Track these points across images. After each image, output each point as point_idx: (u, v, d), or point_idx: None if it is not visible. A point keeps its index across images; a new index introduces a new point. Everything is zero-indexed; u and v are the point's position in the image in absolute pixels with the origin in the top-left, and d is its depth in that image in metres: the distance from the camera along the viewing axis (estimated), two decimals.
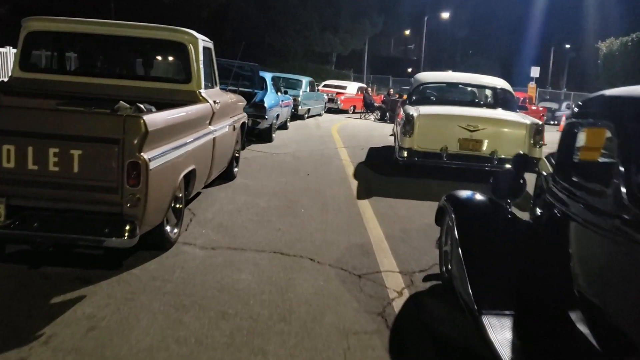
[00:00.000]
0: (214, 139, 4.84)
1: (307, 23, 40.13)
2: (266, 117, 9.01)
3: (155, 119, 3.23)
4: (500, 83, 7.94)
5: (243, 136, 6.86)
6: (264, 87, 9.82)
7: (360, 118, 19.26)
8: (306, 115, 15.85)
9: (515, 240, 3.14)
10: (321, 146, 9.98)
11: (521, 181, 3.49)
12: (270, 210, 5.17)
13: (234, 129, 5.92)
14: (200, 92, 4.81)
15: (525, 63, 66.42)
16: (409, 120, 6.79)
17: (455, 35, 61.25)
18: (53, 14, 5.38)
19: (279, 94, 10.98)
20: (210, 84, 5.36)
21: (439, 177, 7.30)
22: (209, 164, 4.82)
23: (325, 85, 22.41)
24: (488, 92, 8.22)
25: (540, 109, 26.23)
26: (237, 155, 6.58)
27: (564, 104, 28.04)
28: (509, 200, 3.46)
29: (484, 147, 6.73)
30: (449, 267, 3.40)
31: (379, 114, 19.32)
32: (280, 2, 39.34)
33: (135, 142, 3.01)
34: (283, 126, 11.91)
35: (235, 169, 6.47)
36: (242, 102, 6.75)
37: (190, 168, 4.09)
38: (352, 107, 21.54)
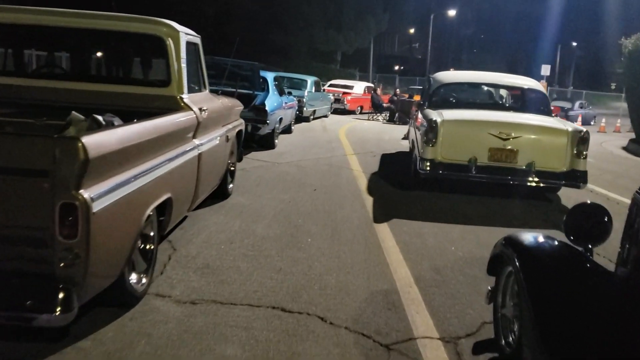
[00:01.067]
0: (199, 155, 3.92)
1: (310, 20, 39.21)
2: (267, 121, 8.09)
3: (102, 140, 2.30)
4: (531, 83, 6.96)
5: (240, 146, 5.94)
6: (265, 88, 8.89)
7: (369, 119, 18.31)
8: (312, 117, 14.93)
9: (608, 302, 2.23)
10: (328, 153, 9.04)
11: (605, 218, 2.58)
12: (269, 240, 4.25)
13: (228, 139, 5.00)
14: (181, 98, 3.90)
15: (531, 61, 65.43)
16: (432, 127, 5.85)
17: (461, 33, 60.25)
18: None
19: (282, 95, 10.05)
20: (196, 87, 4.45)
21: (466, 191, 6.36)
22: (192, 187, 3.90)
23: (331, 85, 21.48)
24: (518, 93, 7.23)
25: (552, 108, 25.14)
26: (232, 169, 5.67)
27: (577, 103, 26.92)
28: (590, 246, 2.55)
29: (519, 159, 5.77)
30: (514, 337, 2.48)
31: (388, 115, 18.37)
32: None
33: (71, 174, 2.09)
34: (287, 130, 10.99)
35: (230, 186, 5.55)
36: (239, 107, 5.84)
37: (164, 197, 3.17)
38: (359, 108, 20.59)
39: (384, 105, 18.72)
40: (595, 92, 42.79)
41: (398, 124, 16.94)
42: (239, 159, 6.06)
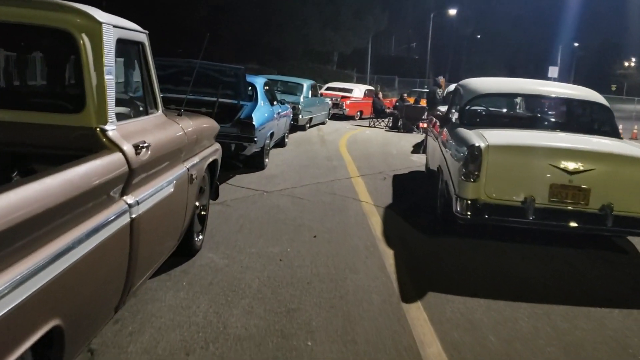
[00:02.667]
0: (132, 221, 2.40)
1: (306, 19, 37.68)
2: (255, 138, 6.56)
3: None
4: (592, 95, 5.45)
5: (215, 180, 4.43)
6: (253, 97, 7.37)
7: (370, 125, 16.81)
8: (308, 125, 13.42)
9: None
10: (329, 175, 7.52)
11: None
12: (246, 346, 2.73)
13: (193, 179, 3.48)
14: (103, 131, 2.38)
15: (531, 62, 64.32)
16: (473, 155, 4.35)
17: (460, 34, 58.88)
18: None
19: (275, 104, 8.53)
20: (136, 109, 2.94)
21: (509, 235, 4.86)
22: (118, 277, 2.38)
23: (328, 89, 19.95)
24: (575, 108, 5.70)
25: None
26: (202, 213, 4.15)
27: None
28: None
29: (592, 199, 4.29)
30: None
31: (391, 122, 16.87)
32: None
33: None
34: (280, 143, 9.48)
35: (199, 238, 4.03)
36: (212, 129, 4.31)
37: (45, 328, 1.67)
38: (358, 113, 19.10)
39: (387, 110, 17.22)
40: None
41: (402, 132, 15.47)
42: (215, 197, 4.54)
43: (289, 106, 10.13)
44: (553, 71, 30.03)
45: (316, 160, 8.78)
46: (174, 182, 3.07)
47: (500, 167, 4.38)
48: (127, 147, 2.43)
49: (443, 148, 5.44)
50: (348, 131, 14.50)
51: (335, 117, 17.60)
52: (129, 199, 2.42)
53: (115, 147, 2.38)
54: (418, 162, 9.35)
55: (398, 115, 16.36)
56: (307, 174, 7.49)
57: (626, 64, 71.52)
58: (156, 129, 2.95)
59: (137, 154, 2.50)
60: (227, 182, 6.44)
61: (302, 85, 13.45)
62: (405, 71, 49.44)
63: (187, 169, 3.37)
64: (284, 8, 37.41)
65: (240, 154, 6.69)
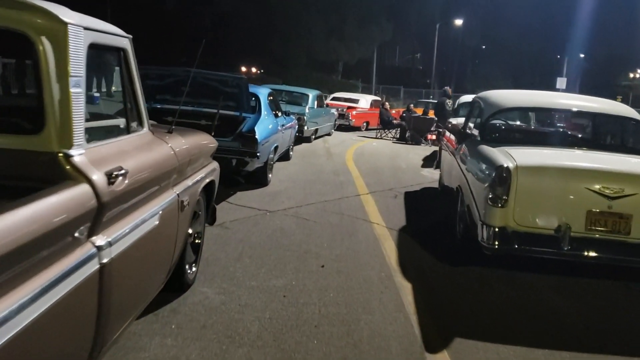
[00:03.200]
0: (101, 268, 1.94)
1: (310, 29, 37.43)
2: (258, 154, 6.11)
3: None
4: (625, 110, 4.95)
5: (211, 202, 3.97)
6: (256, 109, 6.93)
7: (376, 137, 16.36)
8: (313, 136, 12.98)
9: None
10: (337, 192, 7.05)
11: None
12: None
13: (184, 206, 3.03)
14: (67, 156, 1.92)
15: (538, 73, 64.03)
16: (501, 177, 3.88)
17: (465, 44, 58.59)
18: None
19: (279, 115, 8.10)
20: (119, 126, 2.50)
21: (547, 267, 4.37)
22: (79, 340, 1.92)
23: (334, 99, 19.56)
24: (608, 124, 5.21)
25: None
26: (197, 242, 3.70)
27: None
28: None
29: (634, 227, 3.81)
30: None
31: (398, 133, 16.43)
32: (281, 5, 36.63)
33: None
34: (284, 156, 9.03)
35: (191, 270, 3.57)
36: (208, 146, 3.86)
37: None
38: (365, 124, 18.67)
39: (394, 122, 16.77)
40: None
41: (410, 144, 15.02)
42: (211, 222, 4.09)
43: (294, 117, 9.70)
44: (561, 82, 29.51)
45: (322, 175, 8.31)
46: (160, 212, 2.61)
47: (531, 190, 3.91)
48: (97, 177, 1.97)
49: (462, 166, 4.96)
50: (354, 143, 14.05)
51: (341, 128, 17.18)
52: (99, 239, 1.96)
53: (82, 176, 1.92)
54: (429, 177, 8.87)
55: (405, 127, 15.92)
56: (313, 190, 7.02)
57: (631, 75, 71.09)
58: (138, 150, 2.50)
59: (111, 183, 2.04)
60: (227, 201, 5.98)
61: (307, 96, 13.02)
62: (409, 81, 49.11)
63: (178, 194, 2.92)
64: (289, 17, 37.20)
65: (242, 170, 6.24)
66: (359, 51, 41.05)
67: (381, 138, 16.38)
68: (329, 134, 15.05)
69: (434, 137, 15.75)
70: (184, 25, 42.53)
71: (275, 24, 38.39)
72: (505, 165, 3.90)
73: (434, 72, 47.31)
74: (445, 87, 20.97)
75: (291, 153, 9.52)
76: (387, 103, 17.64)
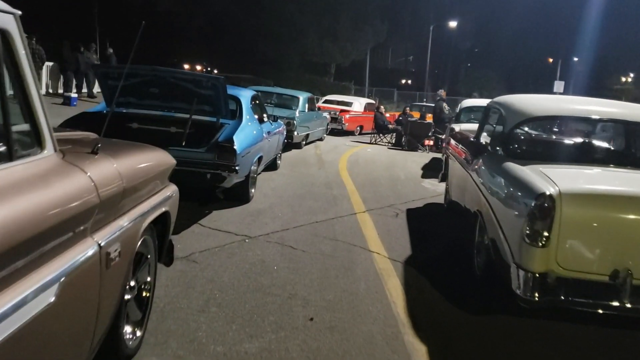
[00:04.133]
0: None
1: (303, 30, 36.53)
2: (237, 167, 5.18)
3: None
4: None
5: (167, 239, 3.06)
6: (237, 114, 6.01)
7: (371, 142, 15.50)
8: (304, 142, 12.08)
9: None
10: (330, 209, 6.15)
11: None
12: None
13: (113, 258, 2.11)
14: None
15: (531, 76, 63.59)
16: (544, 209, 3.00)
17: (459, 47, 58.00)
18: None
19: (265, 120, 7.19)
20: None
21: (598, 319, 3.49)
22: None
23: (326, 101, 18.69)
24: None
25: None
26: (145, 294, 2.79)
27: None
28: None
29: None
30: None
31: (394, 138, 15.57)
32: (274, 6, 35.73)
33: None
34: (271, 165, 8.13)
35: (134, 336, 2.65)
36: (159, 167, 2.93)
37: None
38: (358, 128, 17.82)
39: (390, 126, 15.92)
40: None
41: (406, 150, 14.18)
42: (169, 262, 3.17)
43: (282, 122, 8.79)
44: (559, 86, 28.83)
45: (313, 187, 7.40)
46: (63, 279, 1.70)
47: (579, 224, 3.03)
48: None
49: (482, 186, 4.08)
50: (348, 149, 13.17)
51: (333, 133, 16.30)
52: None
53: None
54: (432, 190, 8.01)
55: (402, 132, 15.07)
56: (302, 207, 6.12)
57: (623, 79, 70.93)
58: (21, 189, 1.58)
59: None
60: (199, 223, 5.06)
61: (297, 99, 12.12)
62: (403, 84, 48.39)
63: (100, 245, 2.00)
64: (281, 17, 36.27)
65: (218, 187, 5.32)
66: (352, 53, 40.22)
67: (376, 143, 15.53)
68: (320, 139, 14.16)
69: (431, 142, 14.91)
70: (176, 26, 41.54)
71: (267, 25, 37.46)
72: (547, 193, 3.02)
73: (427, 74, 46.56)
74: (440, 91, 20.17)
75: (279, 162, 8.61)
76: (382, 107, 16.77)
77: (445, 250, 4.92)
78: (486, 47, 59.73)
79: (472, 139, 5.56)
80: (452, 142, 6.46)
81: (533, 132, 4.44)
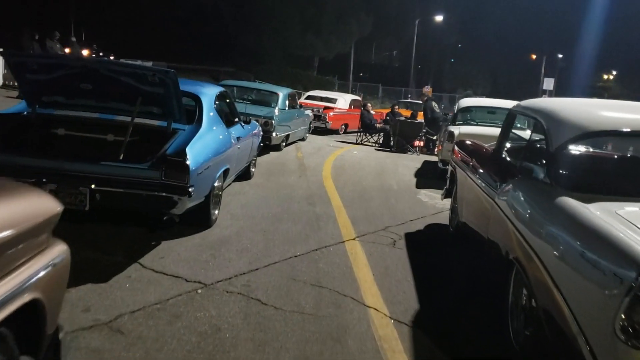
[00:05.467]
0: None
1: (286, 22, 35.12)
2: (190, 188, 3.95)
3: None
4: None
5: (44, 333, 1.85)
6: (196, 117, 4.77)
7: (357, 142, 14.37)
8: (284, 143, 10.86)
9: None
10: (312, 236, 4.97)
11: None
12: None
13: None
14: None
15: (515, 73, 63.28)
16: None
17: (444, 42, 57.10)
18: None
19: (235, 123, 5.97)
20: None
21: None
22: None
23: (309, 97, 17.47)
24: None
25: None
26: None
27: None
28: None
29: None
30: None
31: (382, 138, 14.47)
32: None
33: None
34: (244, 174, 6.91)
35: None
36: (29, 223, 1.71)
37: None
38: (343, 126, 16.66)
39: (377, 125, 14.79)
40: None
41: (394, 152, 13.08)
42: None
43: (257, 124, 7.58)
44: (548, 83, 27.91)
45: (292, 203, 6.21)
46: None
47: None
48: None
49: (519, 224, 2.95)
50: (333, 150, 11.99)
51: (316, 131, 15.13)
52: None
53: None
54: (431, 205, 6.90)
55: (390, 132, 13.96)
56: (277, 233, 4.93)
57: (605, 76, 71.07)
58: None
59: None
60: (139, 262, 3.85)
61: (277, 95, 10.88)
62: (387, 79, 47.28)
63: None
64: (262, 9, 34.82)
65: (167, 213, 4.09)
66: (336, 46, 38.98)
67: (362, 143, 14.41)
68: (302, 139, 12.96)
69: (421, 143, 13.85)
70: (156, 17, 39.73)
71: (247, 15, 35.96)
72: None
73: (413, 70, 45.58)
74: (425, 88, 19.08)
75: (253, 170, 7.39)
76: (369, 104, 15.63)
77: (463, 301, 3.78)
78: (471, 43, 59.03)
79: (491, 153, 4.44)
80: (461, 152, 5.34)
81: (579, 149, 3.33)
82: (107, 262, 3.83)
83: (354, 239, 4.97)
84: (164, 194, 3.88)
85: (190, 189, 3.93)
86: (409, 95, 39.28)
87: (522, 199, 3.12)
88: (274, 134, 9.78)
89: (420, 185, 8.41)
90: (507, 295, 3.13)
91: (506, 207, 3.31)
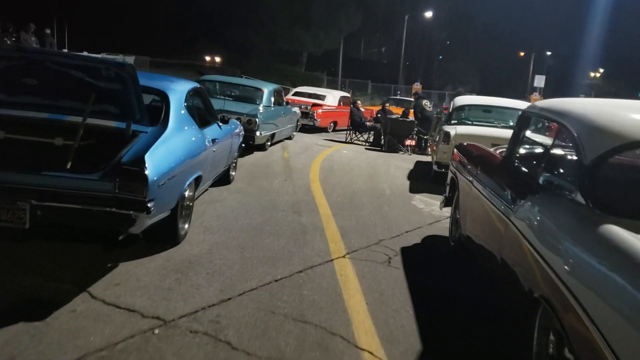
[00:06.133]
0: None
1: (273, 16, 34.38)
2: (149, 204, 3.32)
3: None
4: None
5: None
6: (162, 118, 4.13)
7: (346, 141, 13.79)
8: (269, 143, 10.23)
9: None
10: (296, 254, 4.37)
11: None
12: None
13: None
14: None
15: (503, 70, 63.10)
16: None
17: (433, 39, 56.67)
18: None
19: (211, 123, 5.34)
20: None
21: None
22: None
23: (296, 94, 16.82)
24: None
25: None
26: None
27: None
28: None
29: None
30: None
31: (372, 137, 13.90)
32: None
33: None
34: (223, 178, 6.29)
35: None
36: None
37: None
38: (332, 124, 16.08)
39: (367, 124, 14.21)
40: None
41: (386, 151, 12.53)
42: None
43: (237, 123, 6.94)
44: (540, 80, 27.53)
45: (276, 212, 5.60)
46: None
47: None
48: None
49: (548, 255, 2.38)
50: (321, 150, 11.39)
51: (304, 129, 14.52)
52: None
53: None
54: (427, 212, 6.34)
55: (380, 131, 13.39)
56: (256, 250, 4.32)
57: (592, 74, 71.30)
58: None
59: None
60: (88, 290, 3.22)
61: (261, 92, 10.24)
62: (375, 76, 46.69)
63: None
64: (249, 2, 34.03)
65: (122, 232, 3.46)
66: (325, 42, 38.35)
67: (352, 142, 13.83)
68: (289, 138, 12.34)
69: (413, 142, 13.32)
70: (147, 12, 38.68)
71: (234, 10, 35.16)
72: None
73: (402, 66, 45.04)
74: (415, 85, 18.52)
75: (233, 173, 6.77)
76: (359, 101, 15.03)
77: (475, 339, 3.20)
78: (459, 39, 58.65)
79: (501, 160, 3.88)
80: (462, 156, 4.78)
81: (622, 162, 2.78)
82: (50, 290, 3.21)
83: (344, 257, 4.38)
84: (118, 210, 3.24)
85: (149, 204, 3.30)
86: (398, 92, 38.73)
87: (552, 224, 2.55)
88: (258, 133, 9.16)
89: (414, 189, 7.85)
90: (530, 341, 2.57)
91: (528, 231, 2.74)
